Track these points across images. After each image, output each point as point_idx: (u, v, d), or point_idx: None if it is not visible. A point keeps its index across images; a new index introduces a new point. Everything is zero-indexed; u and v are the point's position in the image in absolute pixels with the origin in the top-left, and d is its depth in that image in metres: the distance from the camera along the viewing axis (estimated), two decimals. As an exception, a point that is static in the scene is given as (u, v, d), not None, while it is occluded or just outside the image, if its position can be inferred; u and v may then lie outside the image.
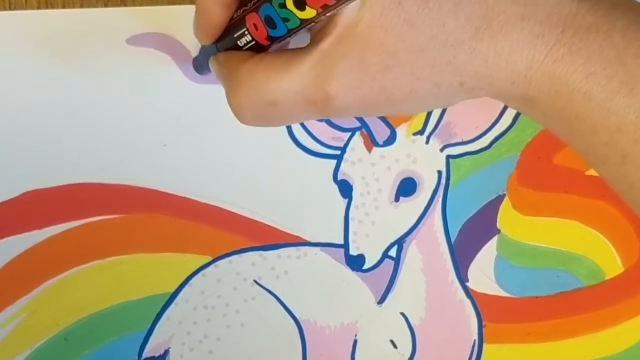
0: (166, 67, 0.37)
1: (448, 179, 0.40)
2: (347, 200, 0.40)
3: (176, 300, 0.39)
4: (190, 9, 0.38)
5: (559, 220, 0.41)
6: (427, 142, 0.39)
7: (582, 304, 0.41)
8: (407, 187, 0.40)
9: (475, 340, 0.41)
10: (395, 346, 0.41)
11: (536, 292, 0.41)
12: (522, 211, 0.41)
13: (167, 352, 0.39)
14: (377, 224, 0.40)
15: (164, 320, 0.39)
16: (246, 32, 0.29)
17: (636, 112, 0.27)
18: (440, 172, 0.40)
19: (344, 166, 0.39)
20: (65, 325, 0.38)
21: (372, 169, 0.39)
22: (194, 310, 0.39)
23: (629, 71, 0.27)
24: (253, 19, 0.28)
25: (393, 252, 0.40)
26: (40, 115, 0.37)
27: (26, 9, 0.37)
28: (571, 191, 0.41)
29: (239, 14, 0.29)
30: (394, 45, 0.27)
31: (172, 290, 0.39)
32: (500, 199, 0.40)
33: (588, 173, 0.41)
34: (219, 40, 0.31)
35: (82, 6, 0.37)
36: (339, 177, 0.39)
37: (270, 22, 0.28)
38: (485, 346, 0.41)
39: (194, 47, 0.38)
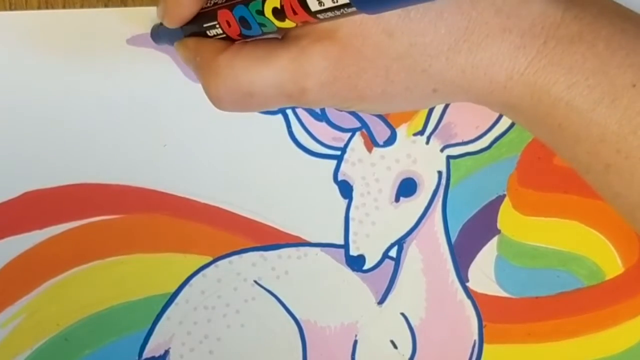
0: (166, 67, 0.37)
1: (448, 179, 0.40)
2: (347, 201, 0.40)
3: (176, 300, 0.39)
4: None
5: (559, 220, 0.41)
6: (427, 142, 0.39)
7: (582, 304, 0.41)
8: (407, 187, 0.40)
9: (475, 340, 0.41)
10: (395, 346, 0.41)
11: (536, 292, 0.41)
12: (522, 211, 0.40)
13: (167, 352, 0.39)
14: (377, 224, 0.40)
15: (164, 320, 0.39)
16: (217, 26, 0.29)
17: (618, 122, 0.27)
18: (440, 172, 0.40)
19: (344, 166, 0.39)
20: (65, 325, 0.38)
21: (372, 169, 0.39)
22: (194, 310, 0.39)
23: (611, 81, 0.27)
24: (225, 16, 0.28)
25: (393, 252, 0.40)
26: (40, 115, 0.37)
27: (26, 9, 0.37)
28: (571, 191, 0.40)
29: (209, 4, 0.29)
30: (370, 52, 0.27)
31: (172, 290, 0.39)
32: (500, 199, 0.40)
33: (588, 173, 0.41)
34: (183, 25, 0.31)
35: (82, 6, 0.37)
36: (339, 177, 0.39)
37: (244, 23, 0.28)
38: (485, 346, 0.41)
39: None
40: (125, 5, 0.37)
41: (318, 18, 0.25)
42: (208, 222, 0.39)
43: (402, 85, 0.28)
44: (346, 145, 0.39)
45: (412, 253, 0.40)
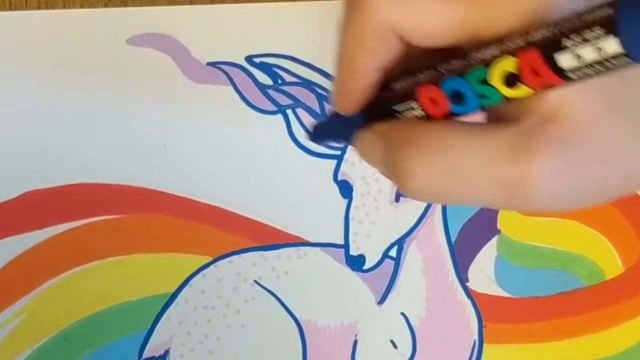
0: (166, 67, 0.37)
1: (448, 179, 0.40)
2: (347, 200, 0.40)
3: (176, 300, 0.39)
4: (191, 9, 0.38)
5: (559, 220, 0.41)
6: (427, 142, 0.39)
7: (582, 304, 0.41)
8: (407, 187, 0.40)
9: (475, 340, 0.41)
10: (395, 346, 0.41)
11: (536, 292, 0.41)
12: (522, 211, 0.40)
13: (167, 352, 0.39)
14: (377, 224, 0.40)
15: (164, 320, 0.39)
16: (414, 106, 0.24)
17: None
18: (440, 172, 0.40)
19: (344, 166, 0.39)
20: (65, 325, 0.38)
21: (372, 169, 0.39)
22: (194, 310, 0.39)
23: None
24: (430, 92, 0.23)
25: (393, 252, 0.40)
26: (41, 115, 0.37)
27: (26, 9, 0.37)
28: (571, 191, 0.40)
29: (402, 84, 0.24)
30: (600, 132, 0.22)
31: (172, 290, 0.39)
32: (500, 199, 0.40)
33: (588, 173, 0.41)
34: (365, 109, 0.25)
35: (82, 6, 0.37)
36: (339, 177, 0.39)
37: (457, 97, 0.23)
38: (485, 346, 0.41)
39: (193, 47, 0.38)
40: (125, 5, 0.37)
41: (567, 78, 0.20)
42: (208, 222, 0.39)
43: (622, 173, 0.23)
44: (346, 145, 0.39)
45: (412, 253, 0.40)
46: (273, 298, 0.40)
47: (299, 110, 0.38)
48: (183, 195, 0.39)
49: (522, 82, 0.21)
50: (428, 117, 0.24)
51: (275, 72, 0.39)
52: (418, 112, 0.24)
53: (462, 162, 0.22)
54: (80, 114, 0.37)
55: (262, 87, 0.38)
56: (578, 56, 0.19)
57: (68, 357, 0.38)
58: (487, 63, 0.21)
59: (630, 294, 0.41)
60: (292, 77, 0.39)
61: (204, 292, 0.39)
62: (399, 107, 0.24)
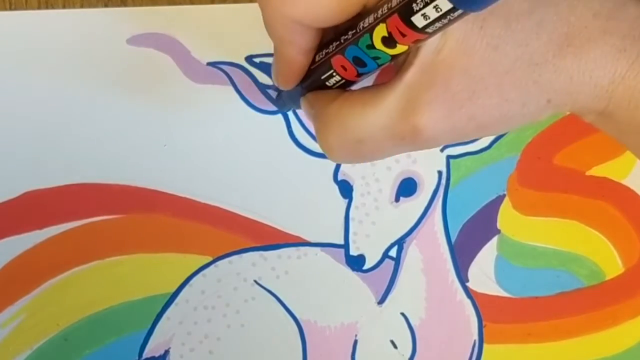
0: (166, 67, 0.37)
1: (448, 179, 0.40)
2: (347, 200, 0.40)
3: (176, 300, 0.39)
4: (191, 9, 0.38)
5: (559, 220, 0.41)
6: (427, 142, 0.39)
7: (582, 304, 0.41)
8: (407, 187, 0.40)
9: (475, 340, 0.41)
10: (395, 346, 0.41)
11: (536, 292, 0.41)
12: (522, 211, 0.41)
13: (167, 352, 0.39)
14: (377, 224, 0.40)
15: (164, 320, 0.39)
16: (334, 73, 0.29)
17: None
18: (440, 172, 0.40)
19: (343, 166, 0.39)
20: (65, 325, 0.38)
21: (372, 169, 0.39)
22: (194, 310, 0.39)
23: None
24: (339, 61, 0.28)
25: (393, 252, 0.40)
26: (40, 115, 0.37)
27: (26, 9, 0.37)
28: (571, 191, 0.41)
29: (320, 56, 0.29)
30: (478, 70, 0.26)
31: (172, 290, 0.39)
32: (500, 199, 0.40)
33: (588, 173, 0.41)
34: (302, 81, 0.30)
35: (82, 6, 0.37)
36: (339, 177, 0.39)
37: (358, 62, 0.27)
38: (485, 346, 0.41)
39: (193, 47, 0.38)
40: (125, 5, 0.37)
41: (427, 33, 0.24)
42: (208, 222, 0.39)
43: (518, 102, 0.27)
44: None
45: (412, 253, 0.40)
46: (273, 298, 0.40)
47: (299, 110, 0.38)
48: (183, 195, 0.39)
49: (397, 42, 0.25)
50: (346, 81, 0.29)
51: (275, 72, 0.39)
52: (338, 77, 0.29)
53: (365, 133, 0.27)
54: (80, 114, 0.37)
55: (262, 87, 0.38)
56: (425, 16, 0.23)
57: (68, 357, 0.39)
58: (369, 31, 0.26)
59: (630, 294, 0.41)
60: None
61: (204, 292, 0.39)
62: (325, 77, 0.29)
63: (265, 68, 0.38)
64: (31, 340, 0.38)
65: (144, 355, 0.39)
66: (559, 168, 0.40)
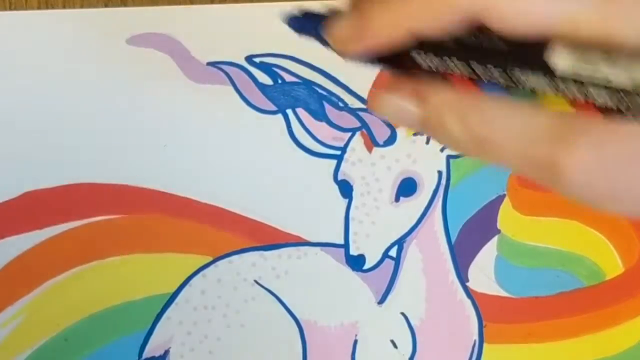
0: (166, 67, 0.37)
1: (448, 179, 0.40)
2: (347, 200, 0.40)
3: (176, 300, 0.39)
4: (191, 9, 0.38)
5: (559, 220, 0.41)
6: (427, 142, 0.39)
7: (582, 304, 0.41)
8: (407, 187, 0.40)
9: (475, 340, 0.41)
10: (395, 346, 0.41)
11: (536, 292, 0.41)
12: (522, 211, 0.40)
13: (167, 352, 0.39)
14: (377, 223, 0.40)
15: (164, 320, 0.39)
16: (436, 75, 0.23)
17: None
18: (440, 172, 0.40)
19: (344, 166, 0.39)
20: (65, 325, 0.38)
21: (372, 169, 0.39)
22: (194, 310, 0.39)
23: None
24: (465, 84, 0.23)
25: (393, 252, 0.40)
26: (40, 115, 0.37)
27: (26, 9, 0.37)
28: (571, 191, 0.40)
29: (427, 61, 0.22)
30: None
31: (172, 290, 0.39)
32: (500, 199, 0.40)
33: (588, 173, 0.41)
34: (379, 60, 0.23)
35: (82, 6, 0.37)
36: (339, 177, 0.39)
37: (490, 92, 0.22)
38: (485, 346, 0.41)
39: (193, 47, 0.38)
40: (125, 5, 0.37)
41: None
42: (208, 222, 0.39)
43: None
44: (346, 145, 0.39)
45: (412, 253, 0.40)
46: (273, 298, 0.40)
47: (299, 110, 0.38)
48: (183, 195, 0.39)
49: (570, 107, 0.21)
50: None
51: (275, 72, 0.39)
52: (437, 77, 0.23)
53: (501, 134, 0.22)
54: (80, 113, 0.37)
55: (262, 87, 0.38)
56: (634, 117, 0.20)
57: (68, 357, 0.38)
58: (535, 92, 0.21)
59: (630, 294, 0.41)
60: (292, 77, 0.39)
61: (204, 292, 0.39)
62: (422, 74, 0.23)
63: (265, 68, 0.38)
64: (31, 340, 0.38)
65: (144, 356, 0.39)
66: (559, 168, 0.40)
